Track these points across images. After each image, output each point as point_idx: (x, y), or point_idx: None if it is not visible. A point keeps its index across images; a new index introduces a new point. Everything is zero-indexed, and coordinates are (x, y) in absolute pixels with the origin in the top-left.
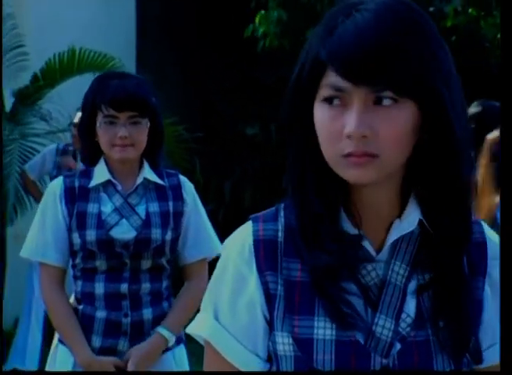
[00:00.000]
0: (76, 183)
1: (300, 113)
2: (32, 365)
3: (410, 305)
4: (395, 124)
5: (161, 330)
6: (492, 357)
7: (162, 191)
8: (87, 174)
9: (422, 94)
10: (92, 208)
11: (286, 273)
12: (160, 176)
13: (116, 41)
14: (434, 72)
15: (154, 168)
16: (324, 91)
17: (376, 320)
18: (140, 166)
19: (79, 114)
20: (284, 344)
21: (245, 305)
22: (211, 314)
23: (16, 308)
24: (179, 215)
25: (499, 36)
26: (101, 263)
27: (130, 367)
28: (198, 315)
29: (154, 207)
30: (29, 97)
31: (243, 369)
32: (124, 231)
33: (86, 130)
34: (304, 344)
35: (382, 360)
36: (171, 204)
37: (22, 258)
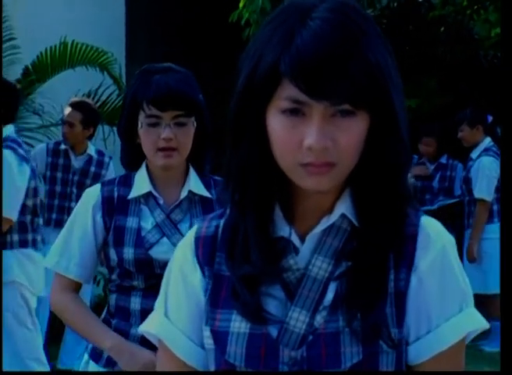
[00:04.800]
0: (115, 193)
1: (250, 121)
2: None
3: (329, 297)
4: (353, 134)
5: None
6: (420, 352)
7: (208, 205)
8: (127, 182)
9: (377, 106)
10: (131, 222)
11: (217, 268)
12: (207, 185)
13: (106, 35)
14: (387, 81)
15: (201, 174)
16: (282, 103)
17: (290, 313)
18: (186, 174)
19: (68, 109)
20: (207, 337)
21: (188, 300)
22: (162, 312)
23: None
24: None
25: (493, 34)
26: (138, 283)
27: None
28: (150, 314)
29: None
30: (21, 91)
31: (189, 362)
32: (165, 251)
33: (126, 131)
34: (220, 337)
35: (290, 352)
36: None
37: None
